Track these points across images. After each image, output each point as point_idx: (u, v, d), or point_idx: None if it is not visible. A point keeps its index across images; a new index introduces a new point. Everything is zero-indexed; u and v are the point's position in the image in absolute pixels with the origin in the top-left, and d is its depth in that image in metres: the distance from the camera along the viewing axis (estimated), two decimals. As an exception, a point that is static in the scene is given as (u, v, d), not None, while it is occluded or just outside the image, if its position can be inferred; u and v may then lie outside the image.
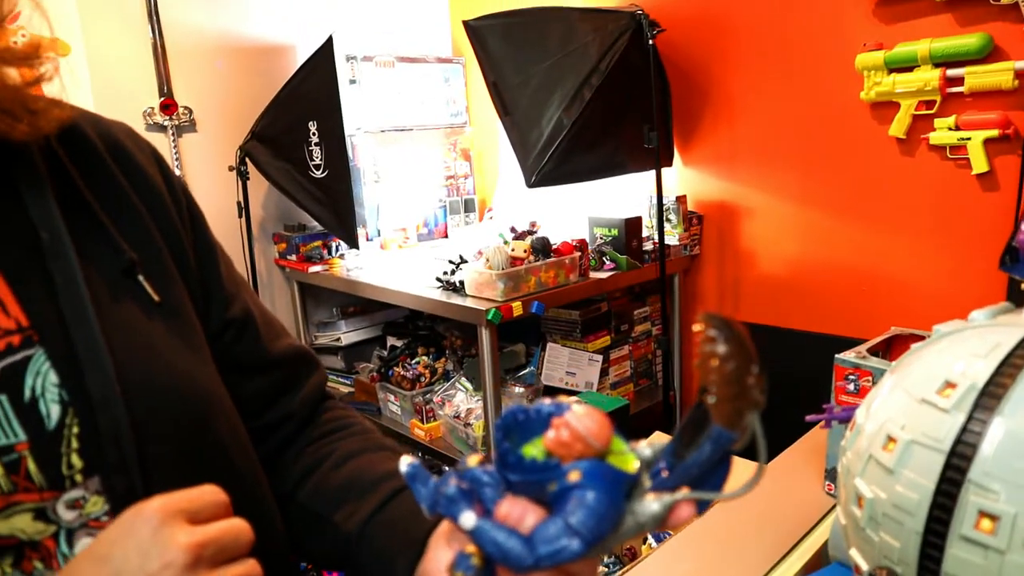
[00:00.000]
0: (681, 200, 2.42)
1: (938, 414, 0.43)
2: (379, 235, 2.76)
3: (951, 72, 1.81)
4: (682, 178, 2.50)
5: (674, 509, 0.33)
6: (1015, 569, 0.38)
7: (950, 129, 1.86)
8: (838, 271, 2.16)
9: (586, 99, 2.09)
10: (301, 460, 0.61)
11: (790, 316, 2.29)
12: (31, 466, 0.40)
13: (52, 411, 0.41)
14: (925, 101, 1.88)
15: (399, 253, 2.74)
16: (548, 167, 2.10)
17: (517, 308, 1.92)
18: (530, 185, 2.12)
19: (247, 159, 2.46)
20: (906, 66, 1.88)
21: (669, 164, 2.42)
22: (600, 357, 2.30)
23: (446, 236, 2.95)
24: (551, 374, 2.34)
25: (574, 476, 0.32)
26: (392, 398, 2.51)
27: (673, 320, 2.52)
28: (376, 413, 2.60)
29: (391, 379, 2.54)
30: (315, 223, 2.66)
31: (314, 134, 2.44)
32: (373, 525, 0.54)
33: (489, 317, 1.89)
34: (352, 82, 2.62)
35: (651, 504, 0.33)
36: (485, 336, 1.94)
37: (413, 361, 2.56)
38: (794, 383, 1.30)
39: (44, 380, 0.41)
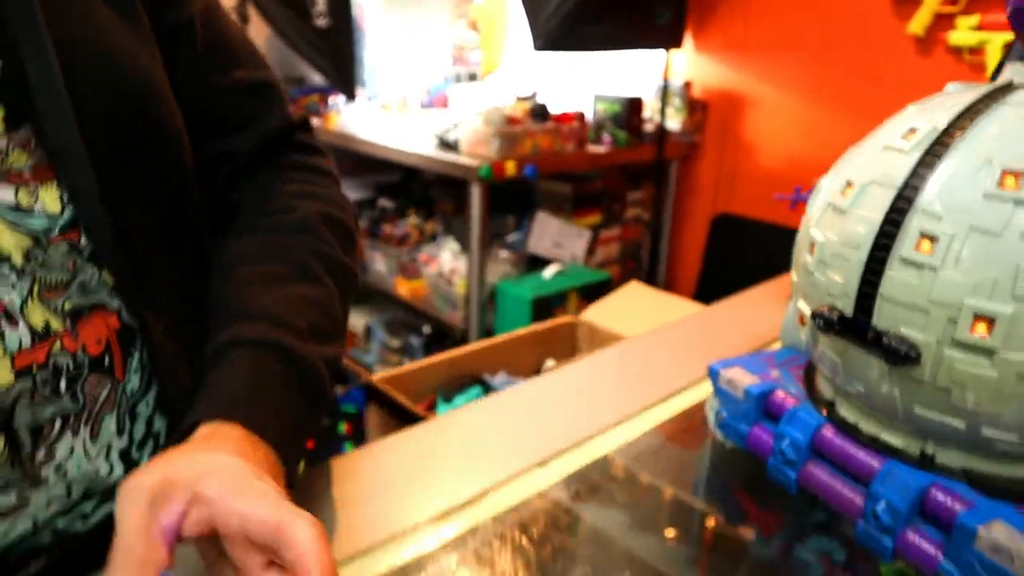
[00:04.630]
0: (687, 86, 2.38)
1: (897, 156, 0.45)
2: (377, 97, 2.71)
3: (981, -36, 1.75)
4: (691, 64, 2.44)
5: None
6: (944, 285, 0.40)
7: (972, 29, 1.82)
8: (835, 168, 2.15)
9: (603, -37, 2.02)
10: (233, 231, 0.54)
11: (787, 212, 2.29)
12: None
13: None
14: (949, -5, 1.83)
15: (397, 115, 2.70)
16: (556, 31, 2.04)
17: (510, 167, 1.91)
18: (537, 48, 2.07)
19: (248, 1, 2.39)
20: (935, -46, 1.82)
21: (678, 45, 2.36)
22: (589, 232, 2.31)
23: (446, 106, 2.90)
24: (538, 243, 2.35)
25: None
26: (379, 256, 2.54)
27: (666, 206, 2.53)
28: (362, 271, 2.63)
29: (379, 237, 2.56)
30: (312, 77, 2.60)
31: (319, -22, 2.36)
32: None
33: (481, 174, 1.88)
34: (362, -73, 2.51)
35: None
36: (476, 194, 1.94)
37: (402, 221, 2.58)
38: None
39: None
